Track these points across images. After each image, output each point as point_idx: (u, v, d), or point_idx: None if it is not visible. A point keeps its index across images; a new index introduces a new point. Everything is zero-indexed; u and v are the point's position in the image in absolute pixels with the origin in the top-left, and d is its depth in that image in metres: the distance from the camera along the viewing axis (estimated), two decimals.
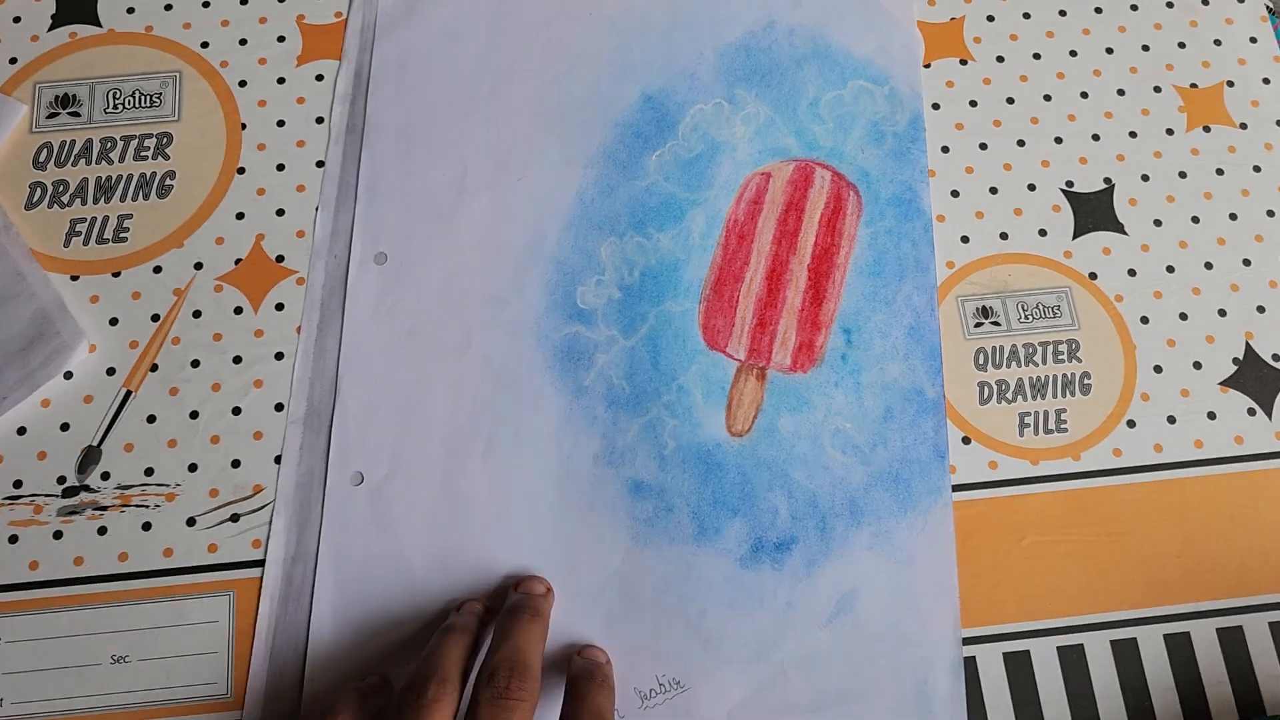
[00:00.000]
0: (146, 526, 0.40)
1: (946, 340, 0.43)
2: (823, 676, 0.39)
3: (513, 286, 0.43)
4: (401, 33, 0.47)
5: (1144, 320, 0.43)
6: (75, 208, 0.44)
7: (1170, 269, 0.44)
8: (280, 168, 0.45)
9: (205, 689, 0.38)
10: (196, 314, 0.43)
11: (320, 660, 0.39)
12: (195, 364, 0.42)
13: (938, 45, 0.47)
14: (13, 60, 0.46)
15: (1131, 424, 0.42)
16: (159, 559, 0.40)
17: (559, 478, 0.41)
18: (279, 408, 0.42)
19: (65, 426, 0.41)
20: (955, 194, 0.45)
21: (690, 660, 0.39)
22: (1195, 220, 0.45)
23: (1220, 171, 0.46)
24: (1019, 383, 0.43)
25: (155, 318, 0.43)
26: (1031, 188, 0.45)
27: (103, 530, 0.40)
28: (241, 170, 0.45)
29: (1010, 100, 0.47)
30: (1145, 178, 0.45)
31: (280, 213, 0.44)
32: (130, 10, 0.47)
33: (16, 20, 0.47)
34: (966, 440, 0.42)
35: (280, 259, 0.44)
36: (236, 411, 0.41)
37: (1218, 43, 0.48)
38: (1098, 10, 0.48)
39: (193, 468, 0.41)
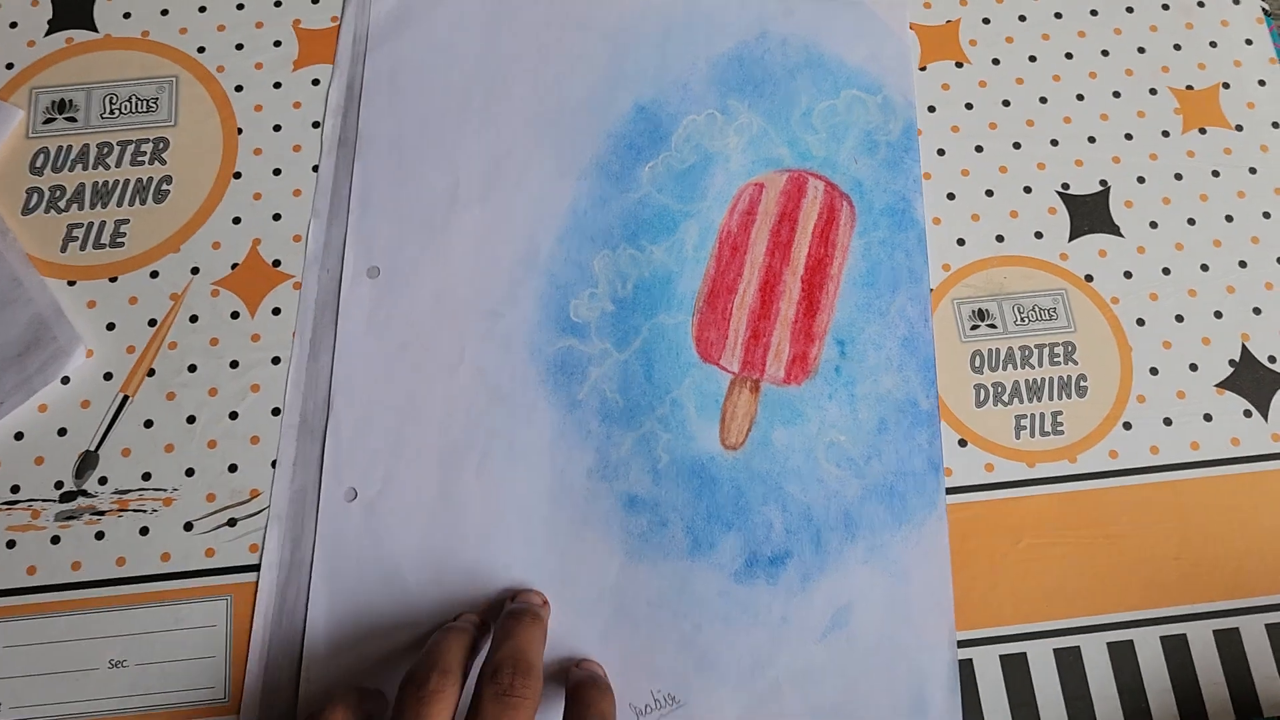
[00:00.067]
0: (144, 531, 0.40)
1: (942, 343, 0.43)
2: (818, 691, 0.38)
3: (506, 300, 0.43)
4: (393, 44, 0.47)
5: (1140, 322, 0.43)
6: (72, 213, 0.44)
7: (1166, 271, 0.44)
8: (277, 172, 0.45)
9: (202, 693, 0.38)
10: (193, 319, 0.43)
11: (316, 664, 0.39)
12: (192, 369, 0.42)
13: (933, 48, 0.47)
14: (9, 65, 0.46)
15: (1128, 426, 0.42)
16: (156, 563, 0.40)
17: (553, 492, 0.41)
18: (275, 412, 0.42)
19: (62, 431, 0.41)
20: (951, 197, 0.45)
21: (685, 676, 0.39)
22: (1191, 222, 0.45)
23: (1216, 173, 0.46)
24: (1015, 385, 0.43)
25: (152, 322, 0.43)
26: (1027, 190, 0.45)
27: (100, 535, 0.40)
28: (238, 175, 0.45)
29: (1006, 103, 0.47)
30: (1141, 180, 0.45)
31: (277, 217, 0.44)
32: (126, 15, 0.47)
33: (13, 25, 0.47)
34: (963, 443, 0.42)
35: (277, 263, 0.44)
36: (233, 416, 0.42)
37: (1213, 45, 0.48)
38: (1093, 13, 0.48)
39: (190, 472, 0.41)
